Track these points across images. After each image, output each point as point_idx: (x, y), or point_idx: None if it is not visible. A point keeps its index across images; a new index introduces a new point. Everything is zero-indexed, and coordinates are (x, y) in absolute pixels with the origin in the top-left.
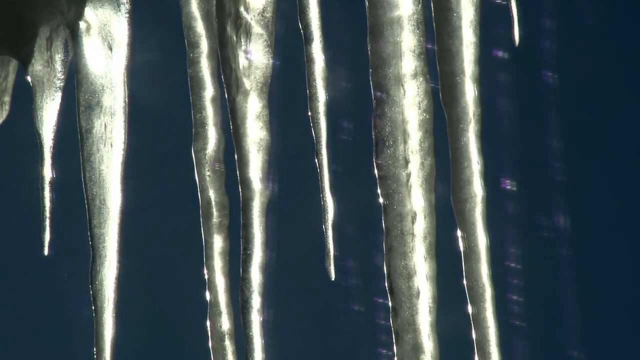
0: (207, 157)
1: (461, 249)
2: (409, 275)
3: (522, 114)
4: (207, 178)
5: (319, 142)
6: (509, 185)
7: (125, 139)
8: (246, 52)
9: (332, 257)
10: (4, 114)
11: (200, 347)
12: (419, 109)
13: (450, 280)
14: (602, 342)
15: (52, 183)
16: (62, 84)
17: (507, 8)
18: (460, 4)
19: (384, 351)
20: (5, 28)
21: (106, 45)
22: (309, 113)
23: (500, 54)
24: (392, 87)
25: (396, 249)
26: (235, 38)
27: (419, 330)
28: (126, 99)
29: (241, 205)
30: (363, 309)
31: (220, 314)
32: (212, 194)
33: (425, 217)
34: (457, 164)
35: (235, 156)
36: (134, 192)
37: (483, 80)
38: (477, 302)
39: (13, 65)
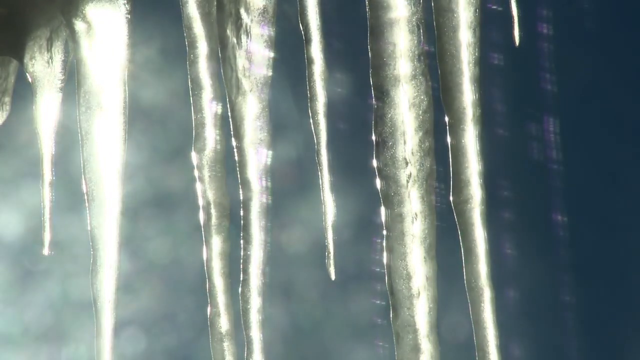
0: (207, 157)
1: (461, 249)
2: (409, 276)
3: (521, 115)
4: (207, 179)
5: (319, 142)
6: (506, 187)
7: (125, 139)
8: (246, 52)
9: (332, 257)
10: (4, 114)
11: (200, 347)
12: (419, 109)
13: (450, 281)
14: (603, 343)
15: (52, 183)
16: (62, 84)
17: (507, 9)
18: (459, 5)
19: (384, 352)
20: (5, 28)
21: (106, 46)
22: (309, 113)
23: (499, 54)
24: (393, 88)
25: (396, 250)
26: (235, 39)
27: (419, 331)
28: (126, 99)
29: (241, 205)
30: (363, 310)
31: (220, 314)
32: (212, 194)
33: (425, 218)
34: (457, 165)
35: (235, 157)
36: (134, 192)
37: (483, 80)
38: (477, 302)
39: (13, 65)
